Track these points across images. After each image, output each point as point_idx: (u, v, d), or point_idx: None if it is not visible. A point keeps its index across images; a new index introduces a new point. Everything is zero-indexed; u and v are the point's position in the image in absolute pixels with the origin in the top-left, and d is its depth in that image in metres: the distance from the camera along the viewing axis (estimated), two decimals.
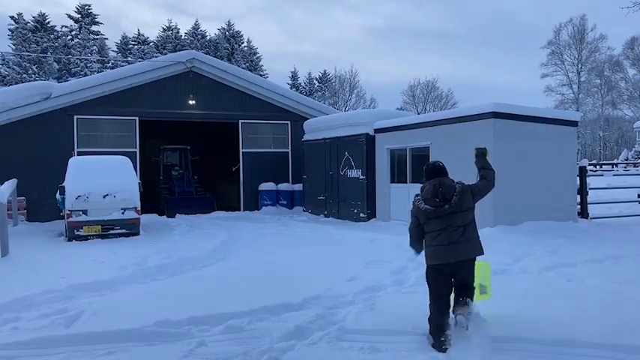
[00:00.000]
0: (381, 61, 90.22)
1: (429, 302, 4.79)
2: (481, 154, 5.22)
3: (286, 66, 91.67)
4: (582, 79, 59.84)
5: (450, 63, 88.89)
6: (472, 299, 4.79)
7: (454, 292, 4.79)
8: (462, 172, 10.64)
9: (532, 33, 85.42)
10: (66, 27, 51.07)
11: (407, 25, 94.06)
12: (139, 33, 54.40)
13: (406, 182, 13.52)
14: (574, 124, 12.36)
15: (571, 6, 76.72)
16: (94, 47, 50.15)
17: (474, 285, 4.90)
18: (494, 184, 4.99)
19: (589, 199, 13.02)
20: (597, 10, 74.36)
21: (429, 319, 4.72)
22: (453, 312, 4.70)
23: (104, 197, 11.84)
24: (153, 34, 73.94)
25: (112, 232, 11.78)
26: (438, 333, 4.56)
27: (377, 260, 8.47)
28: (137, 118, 17.17)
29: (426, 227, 4.84)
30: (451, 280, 4.78)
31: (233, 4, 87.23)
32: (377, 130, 14.48)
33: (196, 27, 54.56)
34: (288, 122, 19.17)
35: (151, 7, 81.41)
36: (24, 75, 43.91)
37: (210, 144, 23.41)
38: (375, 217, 14.45)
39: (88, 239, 11.55)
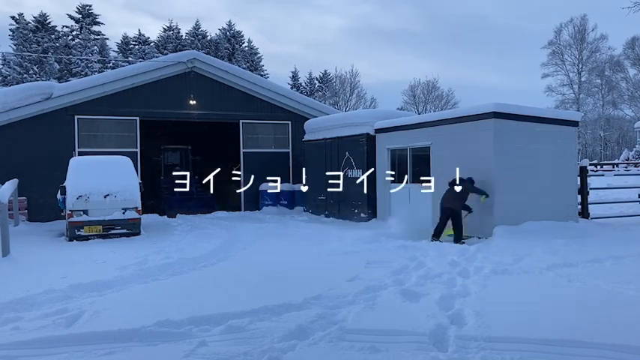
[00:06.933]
0: (378, 61, 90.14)
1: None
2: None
3: (280, 67, 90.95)
4: (583, 79, 59.78)
5: (449, 63, 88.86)
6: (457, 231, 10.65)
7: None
8: (462, 171, 10.79)
9: (531, 34, 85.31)
10: (67, 27, 51.16)
11: (401, 26, 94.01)
12: (139, 33, 54.47)
13: (407, 182, 13.52)
14: (575, 124, 12.34)
15: (570, 6, 76.60)
16: (95, 47, 50.21)
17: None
18: (480, 192, 10.66)
19: (590, 199, 13.02)
20: (598, 10, 74.32)
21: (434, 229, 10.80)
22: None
23: (105, 197, 11.86)
24: (154, 34, 73.54)
25: (112, 232, 11.80)
26: (434, 236, 10.64)
27: (377, 260, 8.47)
28: (138, 118, 17.19)
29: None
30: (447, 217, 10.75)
31: (206, 4, 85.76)
32: (377, 130, 14.47)
33: (197, 27, 54.65)
34: (289, 122, 19.19)
35: (115, 8, 78.77)
36: (25, 75, 43.97)
37: (211, 144, 23.41)
38: (375, 217, 14.44)
39: (88, 239, 11.57)
